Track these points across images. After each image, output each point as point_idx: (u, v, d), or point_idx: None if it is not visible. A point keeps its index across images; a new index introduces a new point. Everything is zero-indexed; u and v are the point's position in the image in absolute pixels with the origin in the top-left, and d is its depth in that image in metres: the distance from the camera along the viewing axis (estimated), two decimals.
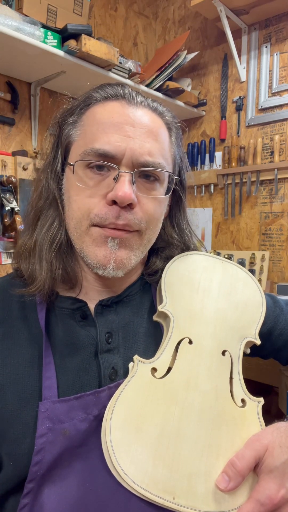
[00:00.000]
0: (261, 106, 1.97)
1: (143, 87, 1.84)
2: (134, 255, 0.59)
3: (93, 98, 0.60)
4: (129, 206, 0.56)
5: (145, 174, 0.59)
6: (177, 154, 0.66)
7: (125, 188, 0.54)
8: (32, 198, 0.66)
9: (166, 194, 0.63)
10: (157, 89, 1.91)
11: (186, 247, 0.71)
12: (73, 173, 0.58)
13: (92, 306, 0.63)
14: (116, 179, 0.56)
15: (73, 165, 0.58)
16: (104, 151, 0.56)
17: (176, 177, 0.65)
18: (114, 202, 0.55)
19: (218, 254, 2.03)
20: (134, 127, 0.57)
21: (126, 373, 0.57)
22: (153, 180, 0.59)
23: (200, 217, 2.24)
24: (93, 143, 0.56)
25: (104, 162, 0.56)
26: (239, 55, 2.01)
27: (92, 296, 0.64)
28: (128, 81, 1.76)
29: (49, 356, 0.58)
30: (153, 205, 0.60)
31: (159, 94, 1.92)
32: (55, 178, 0.62)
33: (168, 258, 0.69)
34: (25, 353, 0.58)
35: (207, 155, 2.18)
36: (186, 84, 2.09)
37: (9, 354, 0.58)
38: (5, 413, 0.55)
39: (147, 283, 0.69)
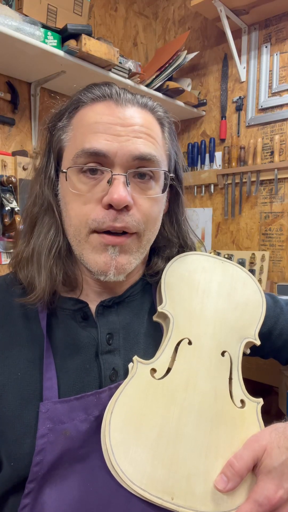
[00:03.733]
0: (261, 106, 1.96)
1: (143, 87, 1.84)
2: (134, 259, 0.59)
3: (80, 100, 0.59)
4: (126, 209, 0.56)
5: (139, 173, 0.58)
6: (171, 149, 0.65)
7: (120, 191, 0.54)
8: (27, 205, 0.65)
9: (163, 191, 0.62)
10: (157, 89, 1.91)
11: (184, 244, 0.70)
12: (66, 180, 0.58)
13: (93, 307, 0.63)
14: (110, 182, 0.55)
15: (65, 172, 0.57)
16: (94, 150, 0.55)
17: (171, 175, 0.63)
18: (110, 206, 0.55)
19: (218, 254, 2.03)
20: (124, 127, 0.56)
21: (126, 374, 0.57)
22: (148, 179, 0.58)
23: (200, 217, 2.24)
24: (83, 144, 0.56)
25: (97, 166, 0.56)
26: (239, 55, 2.01)
27: (93, 297, 0.64)
28: (128, 81, 1.76)
29: (49, 357, 0.58)
30: (150, 205, 0.59)
31: (159, 94, 1.92)
32: (50, 184, 0.61)
33: (169, 258, 0.68)
34: (26, 354, 0.58)
35: (207, 155, 2.18)
36: (186, 84, 2.09)
37: (10, 354, 0.58)
38: (6, 413, 0.55)
39: (148, 283, 0.69)
